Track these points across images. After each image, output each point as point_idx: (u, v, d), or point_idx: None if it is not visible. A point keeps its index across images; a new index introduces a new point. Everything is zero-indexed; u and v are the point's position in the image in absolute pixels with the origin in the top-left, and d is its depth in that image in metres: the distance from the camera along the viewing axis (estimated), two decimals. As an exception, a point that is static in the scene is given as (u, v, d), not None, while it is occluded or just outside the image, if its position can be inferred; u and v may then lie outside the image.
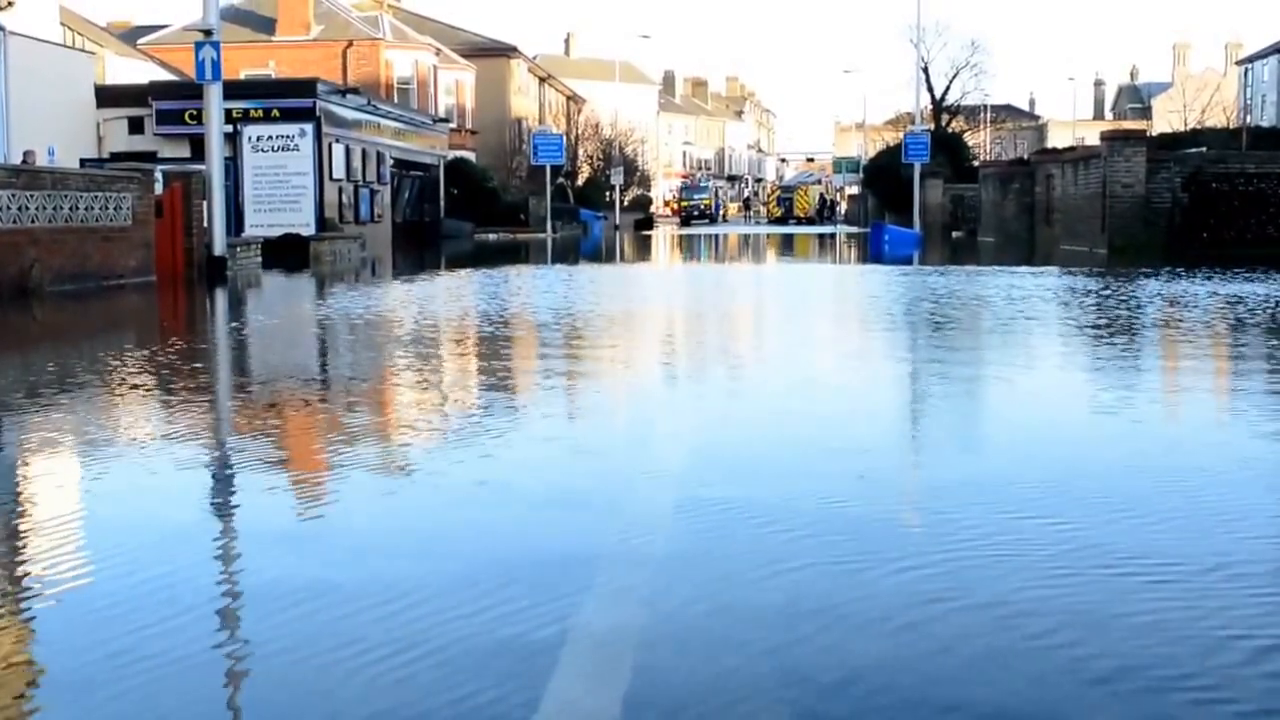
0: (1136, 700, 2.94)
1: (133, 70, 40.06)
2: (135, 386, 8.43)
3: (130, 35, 49.97)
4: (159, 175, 20.32)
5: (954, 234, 46.44)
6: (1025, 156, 50.96)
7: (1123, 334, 11.74)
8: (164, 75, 41.62)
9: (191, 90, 33.43)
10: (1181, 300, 14.82)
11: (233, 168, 26.53)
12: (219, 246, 19.66)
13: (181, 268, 19.44)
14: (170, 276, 18.89)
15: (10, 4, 28.16)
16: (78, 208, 16.82)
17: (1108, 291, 16.36)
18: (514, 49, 64.00)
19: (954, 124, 64.54)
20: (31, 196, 15.86)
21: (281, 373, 9.49)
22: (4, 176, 15.51)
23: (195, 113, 31.46)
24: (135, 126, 32.80)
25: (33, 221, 15.87)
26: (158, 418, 7.13)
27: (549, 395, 8.00)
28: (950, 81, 64.57)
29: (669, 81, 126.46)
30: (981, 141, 74.05)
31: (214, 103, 20.06)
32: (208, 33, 19.84)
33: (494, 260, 28.38)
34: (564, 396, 7.96)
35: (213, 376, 9.24)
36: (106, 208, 17.38)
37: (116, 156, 30.78)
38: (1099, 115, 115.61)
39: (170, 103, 32.43)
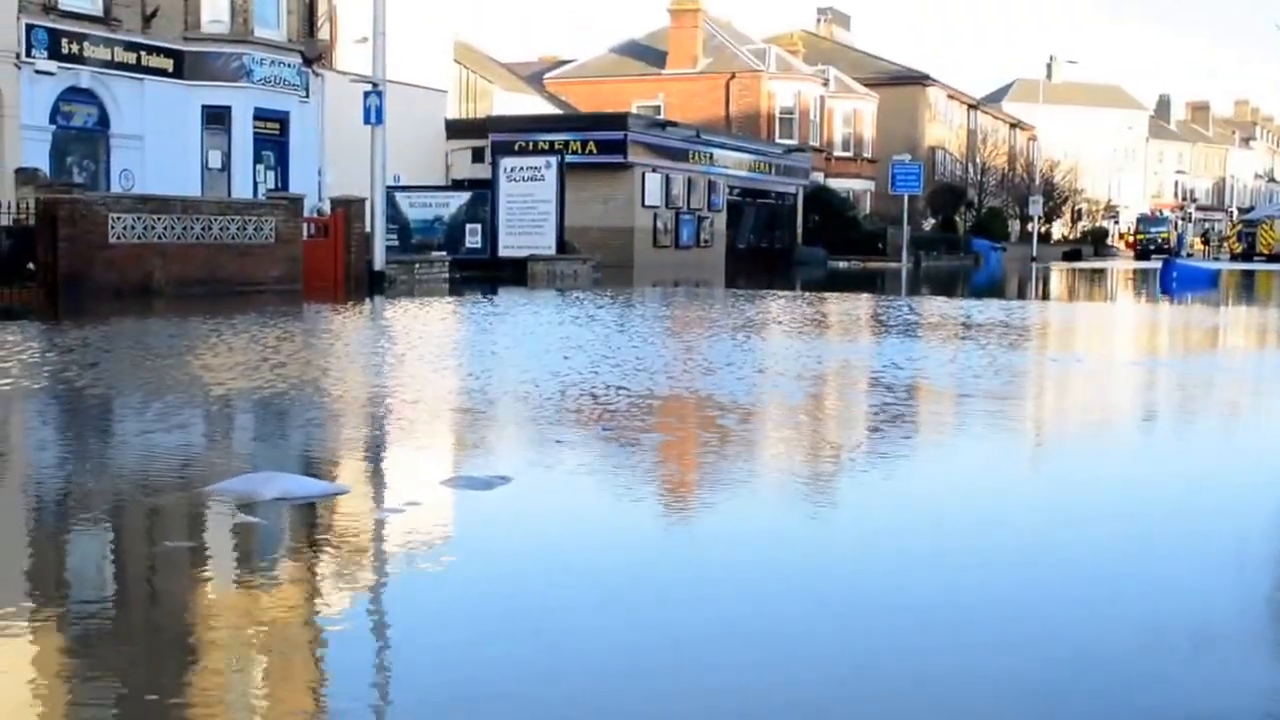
0: None
1: (516, 103, 44.54)
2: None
3: (545, 70, 55.34)
4: (316, 202, 23.52)
5: None
6: None
7: None
8: (547, 108, 45.97)
9: (519, 125, 37.18)
10: None
11: (491, 194, 29.56)
12: (379, 262, 22.70)
13: (342, 279, 22.62)
14: (330, 286, 22.04)
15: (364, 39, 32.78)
16: (210, 228, 20.22)
17: None
18: (927, 76, 63.87)
19: None
20: (159, 219, 19.39)
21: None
22: (131, 204, 19.17)
23: (525, 144, 35.13)
24: (477, 156, 36.82)
25: (159, 238, 19.36)
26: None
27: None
28: None
29: (1163, 106, 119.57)
30: None
31: (378, 144, 22.91)
32: (374, 84, 22.68)
33: (824, 287, 29.07)
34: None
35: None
36: (244, 228, 20.72)
37: (457, 183, 34.99)
38: None
39: (504, 135, 36.13)
